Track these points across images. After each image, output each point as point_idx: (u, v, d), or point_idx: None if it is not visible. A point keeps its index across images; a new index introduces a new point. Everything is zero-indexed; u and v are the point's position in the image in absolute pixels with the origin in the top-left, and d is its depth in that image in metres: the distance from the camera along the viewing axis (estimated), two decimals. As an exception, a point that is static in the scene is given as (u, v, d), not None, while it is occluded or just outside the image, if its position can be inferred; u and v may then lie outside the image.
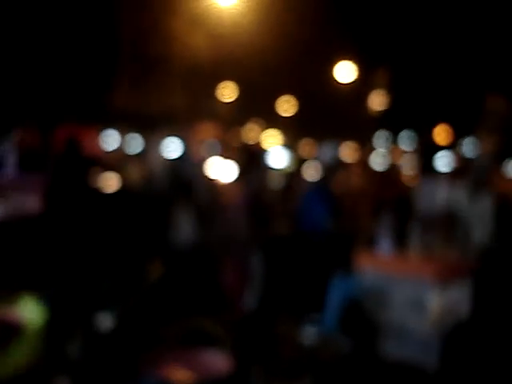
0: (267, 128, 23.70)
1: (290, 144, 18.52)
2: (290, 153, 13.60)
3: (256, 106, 22.62)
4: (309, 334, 4.90)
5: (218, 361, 3.87)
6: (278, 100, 27.16)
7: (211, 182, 7.63)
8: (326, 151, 5.50)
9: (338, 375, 4.65)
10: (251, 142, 13.28)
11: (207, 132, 13.73)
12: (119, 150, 9.17)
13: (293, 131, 23.62)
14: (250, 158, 6.14)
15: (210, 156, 10.22)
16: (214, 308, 4.87)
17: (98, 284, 4.59)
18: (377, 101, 23.22)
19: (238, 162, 6.40)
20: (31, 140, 8.85)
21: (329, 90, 24.62)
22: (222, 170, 8.36)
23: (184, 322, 4.30)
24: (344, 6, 22.28)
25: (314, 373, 4.58)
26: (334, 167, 5.49)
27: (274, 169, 10.08)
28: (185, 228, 6.32)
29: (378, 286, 4.80)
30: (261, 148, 12.46)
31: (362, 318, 4.79)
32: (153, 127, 11.60)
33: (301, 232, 5.25)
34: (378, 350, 4.82)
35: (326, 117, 22.45)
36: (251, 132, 20.94)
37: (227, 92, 24.03)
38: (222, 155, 9.80)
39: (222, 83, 23.64)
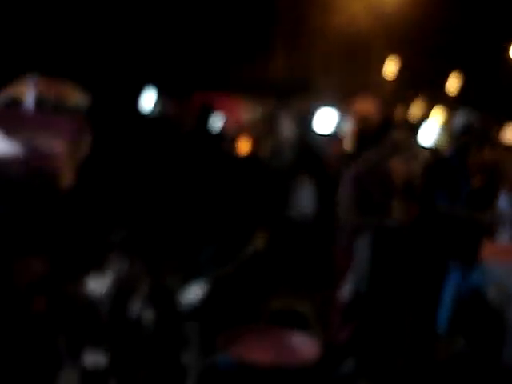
0: (431, 105, 22.58)
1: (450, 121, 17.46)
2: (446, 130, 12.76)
3: (420, 82, 21.56)
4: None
5: (304, 346, 3.54)
6: (444, 76, 25.73)
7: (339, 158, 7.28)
8: (459, 121, 4.72)
9: (453, 378, 4.15)
10: (407, 118, 12.66)
11: (364, 107, 13.20)
12: (257, 119, 9.07)
13: (458, 108, 22.30)
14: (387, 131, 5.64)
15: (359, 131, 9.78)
16: (320, 285, 4.56)
17: (199, 248, 4.42)
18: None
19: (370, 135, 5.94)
20: (171, 108, 9.05)
21: (499, 67, 22.94)
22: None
23: (276, 300, 4.03)
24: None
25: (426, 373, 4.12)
26: (466, 141, 4.74)
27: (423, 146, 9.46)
28: (305, 201, 6.08)
29: (504, 280, 4.17)
30: (413, 123, 11.83)
31: (483, 316, 4.21)
32: (294, 97, 11.38)
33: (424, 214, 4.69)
34: (502, 354, 4.21)
35: (494, 94, 20.93)
36: (413, 108, 20.03)
37: (390, 66, 23.08)
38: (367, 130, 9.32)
39: (384, 57, 22.77)
